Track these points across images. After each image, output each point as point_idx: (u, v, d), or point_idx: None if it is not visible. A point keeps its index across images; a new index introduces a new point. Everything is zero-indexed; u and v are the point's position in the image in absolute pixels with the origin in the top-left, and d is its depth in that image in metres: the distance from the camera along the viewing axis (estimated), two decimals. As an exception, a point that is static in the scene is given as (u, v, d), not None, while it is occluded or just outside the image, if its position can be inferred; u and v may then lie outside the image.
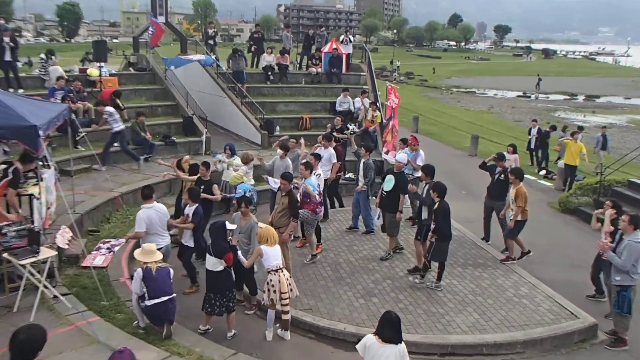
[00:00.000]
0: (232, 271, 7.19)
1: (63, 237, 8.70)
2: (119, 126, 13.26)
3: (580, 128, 18.09)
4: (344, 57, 20.43)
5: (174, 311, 6.84)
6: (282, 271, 7.15)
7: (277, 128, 17.20)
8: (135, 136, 14.34)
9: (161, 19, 18.63)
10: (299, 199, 9.05)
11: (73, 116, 10.76)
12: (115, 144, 13.39)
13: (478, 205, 11.28)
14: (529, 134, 18.86)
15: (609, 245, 7.56)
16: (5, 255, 7.10)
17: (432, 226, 8.48)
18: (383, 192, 9.76)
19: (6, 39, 14.31)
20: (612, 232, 7.92)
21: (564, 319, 7.88)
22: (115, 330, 6.66)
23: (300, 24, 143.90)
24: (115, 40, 77.68)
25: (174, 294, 6.84)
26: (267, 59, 19.69)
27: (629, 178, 13.64)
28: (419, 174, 11.30)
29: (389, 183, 9.66)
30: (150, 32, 18.49)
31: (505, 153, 13.39)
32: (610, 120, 34.31)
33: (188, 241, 8.33)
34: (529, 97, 49.00)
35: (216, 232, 6.99)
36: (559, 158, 16.80)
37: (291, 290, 7.20)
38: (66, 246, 8.67)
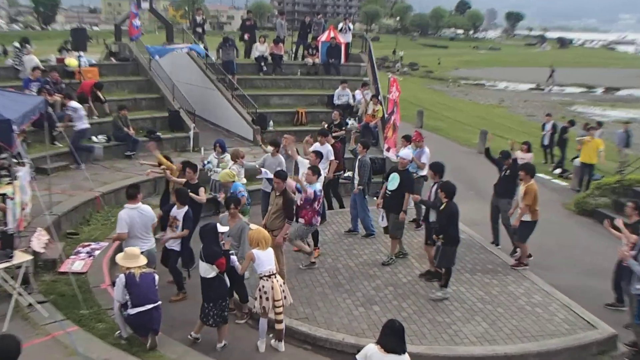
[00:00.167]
0: (226, 277, 7.20)
1: (39, 240, 8.70)
2: (83, 124, 13.24)
3: (599, 123, 18.09)
4: (343, 46, 20.41)
5: (159, 320, 6.85)
6: (276, 277, 7.16)
7: (271, 123, 17.24)
8: (117, 132, 14.34)
9: (145, 5, 18.61)
10: (299, 204, 9.04)
11: (50, 110, 10.72)
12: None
13: (487, 207, 11.29)
14: (543, 130, 18.90)
15: (630, 253, 7.51)
16: (-25, 260, 7.08)
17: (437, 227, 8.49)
18: (387, 192, 9.76)
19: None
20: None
21: (580, 329, 7.89)
22: (96, 340, 6.66)
23: (296, 11, 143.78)
24: (95, 28, 77.64)
25: (159, 302, 6.84)
26: (260, 48, 19.60)
27: (651, 177, 13.65)
28: (424, 172, 11.35)
29: (393, 182, 9.65)
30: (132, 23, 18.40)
31: (519, 152, 13.46)
32: (631, 115, 34.26)
33: (173, 245, 8.35)
34: (543, 89, 49.09)
35: (207, 235, 7.00)
36: (576, 156, 16.82)
37: (285, 297, 7.22)
38: (42, 250, 8.67)
